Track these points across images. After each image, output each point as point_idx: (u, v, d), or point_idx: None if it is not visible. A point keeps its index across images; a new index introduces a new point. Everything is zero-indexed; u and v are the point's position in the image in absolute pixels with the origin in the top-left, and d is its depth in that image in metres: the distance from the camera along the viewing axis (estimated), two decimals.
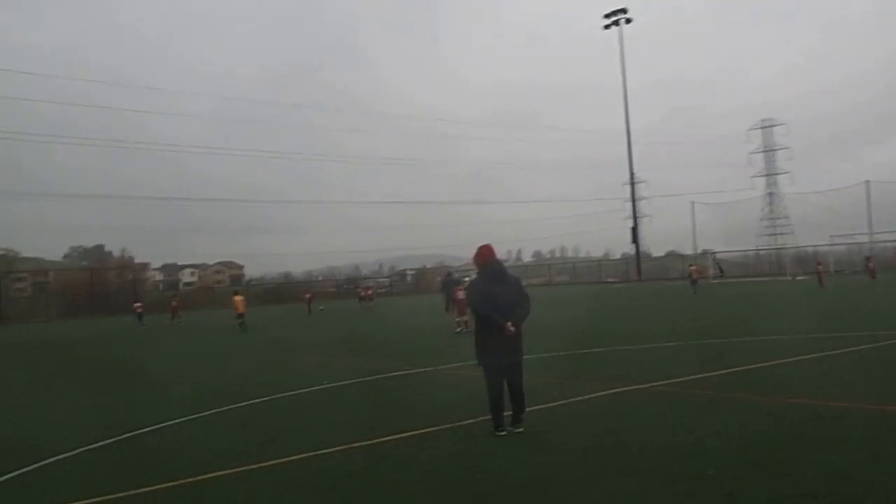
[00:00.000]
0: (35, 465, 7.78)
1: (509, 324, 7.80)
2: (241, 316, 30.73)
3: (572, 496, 5.65)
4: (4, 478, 7.35)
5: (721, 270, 59.69)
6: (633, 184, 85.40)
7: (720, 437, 7.26)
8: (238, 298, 31.75)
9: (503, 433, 7.79)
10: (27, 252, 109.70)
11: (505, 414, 7.95)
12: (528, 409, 8.12)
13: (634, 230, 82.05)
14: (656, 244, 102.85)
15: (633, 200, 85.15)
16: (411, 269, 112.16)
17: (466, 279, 29.50)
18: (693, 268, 46.96)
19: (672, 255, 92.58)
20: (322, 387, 12.41)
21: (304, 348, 21.09)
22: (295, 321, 37.93)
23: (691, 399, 9.43)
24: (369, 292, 49.36)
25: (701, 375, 11.04)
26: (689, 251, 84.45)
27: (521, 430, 7.86)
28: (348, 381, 12.86)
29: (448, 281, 29.05)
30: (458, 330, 21.75)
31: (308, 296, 51.22)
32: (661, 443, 7.12)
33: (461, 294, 22.64)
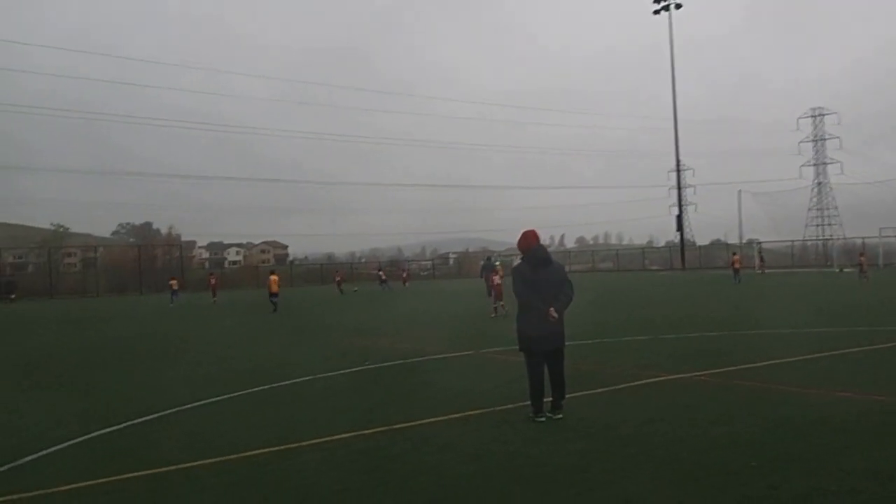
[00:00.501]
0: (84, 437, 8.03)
1: (552, 310, 7.82)
2: (274, 296, 31.27)
3: (611, 484, 5.68)
4: (53, 449, 7.60)
5: (762, 260, 58.98)
6: (679, 171, 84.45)
7: (763, 428, 7.21)
8: (273, 278, 32.29)
9: (542, 419, 7.84)
10: (77, 228, 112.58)
11: (545, 400, 8.00)
12: (568, 396, 8.15)
13: (679, 218, 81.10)
14: (701, 233, 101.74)
15: (679, 188, 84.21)
16: (454, 253, 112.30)
17: (497, 263, 30.02)
18: (736, 257, 46.51)
19: (717, 244, 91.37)
20: (364, 367, 12.56)
21: (344, 329, 21.30)
22: (334, 302, 38.28)
23: (734, 390, 9.36)
24: (406, 274, 50.43)
25: (744, 366, 10.93)
26: (734, 240, 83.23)
27: (561, 416, 7.89)
28: (390, 363, 12.99)
29: (487, 265, 29.28)
30: (494, 315, 22.10)
31: (338, 278, 52.14)
32: (702, 433, 7.11)
33: (497, 279, 23.55)
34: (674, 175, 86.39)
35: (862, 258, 41.87)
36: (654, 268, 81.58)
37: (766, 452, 6.33)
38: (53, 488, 6.16)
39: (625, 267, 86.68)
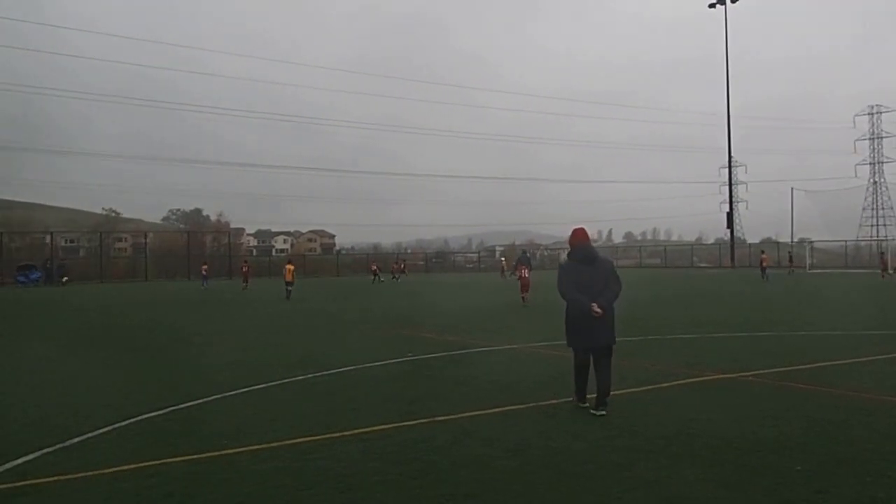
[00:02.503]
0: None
1: (594, 305, 7.75)
2: (289, 284, 32.60)
3: (655, 484, 5.58)
4: (99, 432, 7.72)
5: (790, 260, 58.58)
6: (730, 168, 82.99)
7: (810, 432, 7.06)
8: (289, 267, 33.79)
9: (586, 405, 7.88)
10: (128, 213, 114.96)
11: (589, 396, 7.92)
12: (613, 393, 8.06)
13: (730, 215, 79.82)
14: (752, 230, 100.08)
15: (730, 185, 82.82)
16: (500, 246, 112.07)
17: (503, 258, 32.10)
18: (764, 256, 48.43)
19: (767, 242, 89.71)
20: (407, 358, 12.56)
21: (385, 319, 21.36)
22: (373, 291, 38.45)
23: (781, 391, 9.15)
24: (403, 265, 52.44)
25: (792, 367, 10.71)
26: (785, 239, 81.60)
27: (604, 413, 7.78)
28: (433, 355, 12.98)
29: (522, 258, 29.80)
30: (524, 304, 24.13)
31: (374, 267, 53.68)
32: (747, 435, 6.97)
33: (525, 272, 26.04)
34: (725, 171, 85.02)
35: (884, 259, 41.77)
36: (703, 265, 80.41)
37: (814, 457, 6.19)
38: (98, 470, 6.25)
39: (673, 263, 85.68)
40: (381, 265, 59.97)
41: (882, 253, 47.79)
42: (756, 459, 6.15)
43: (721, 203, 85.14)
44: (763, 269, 44.80)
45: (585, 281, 7.96)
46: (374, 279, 51.61)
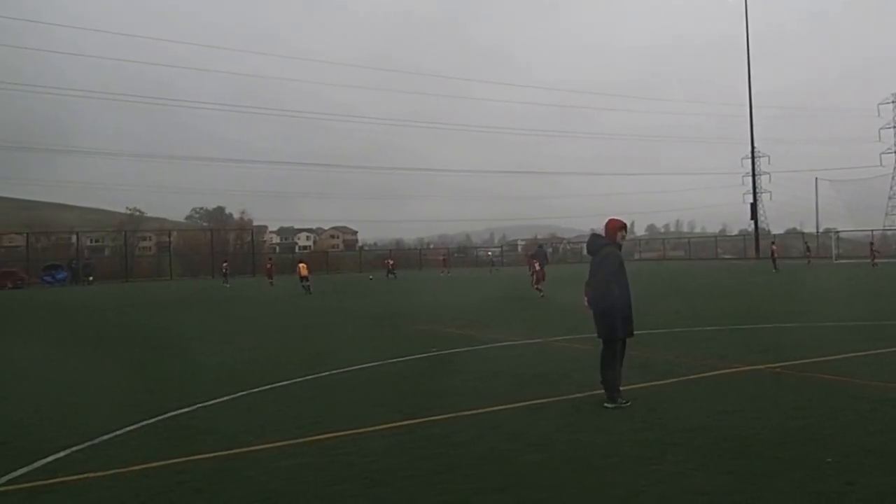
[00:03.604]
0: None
1: (584, 298, 8.14)
2: (304, 279, 34.36)
3: (681, 476, 5.54)
4: (127, 429, 7.80)
5: (808, 249, 58.32)
6: (753, 158, 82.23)
7: (839, 423, 6.98)
8: (302, 265, 35.98)
9: (628, 403, 7.80)
10: (152, 212, 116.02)
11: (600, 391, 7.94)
12: (638, 386, 8.22)
13: (753, 206, 79.13)
14: (776, 221, 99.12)
15: (753, 175, 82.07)
16: (522, 240, 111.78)
17: (543, 248, 32.64)
18: (774, 246, 48.96)
19: (792, 233, 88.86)
20: (431, 354, 12.56)
21: (406, 314, 21.35)
22: (390, 287, 38.51)
23: (808, 382, 9.05)
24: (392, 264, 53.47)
25: (819, 359, 10.58)
26: (810, 229, 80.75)
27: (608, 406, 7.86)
28: (457, 350, 12.97)
29: (539, 252, 30.00)
30: (541, 297, 25.02)
31: (391, 262, 54.59)
32: (776, 426, 6.90)
33: (537, 265, 27.07)
34: (748, 162, 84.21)
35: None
36: (727, 256, 79.78)
37: (843, 448, 6.11)
38: (127, 468, 6.31)
39: (696, 255, 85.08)
40: (396, 261, 60.80)
41: (871, 243, 48.34)
42: (784, 451, 6.08)
43: (744, 194, 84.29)
44: (774, 260, 44.66)
45: (591, 271, 8.20)
46: (388, 274, 52.74)
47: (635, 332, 8.24)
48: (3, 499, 5.70)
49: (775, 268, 42.99)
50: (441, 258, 71.05)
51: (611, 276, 7.96)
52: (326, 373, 10.90)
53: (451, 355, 12.47)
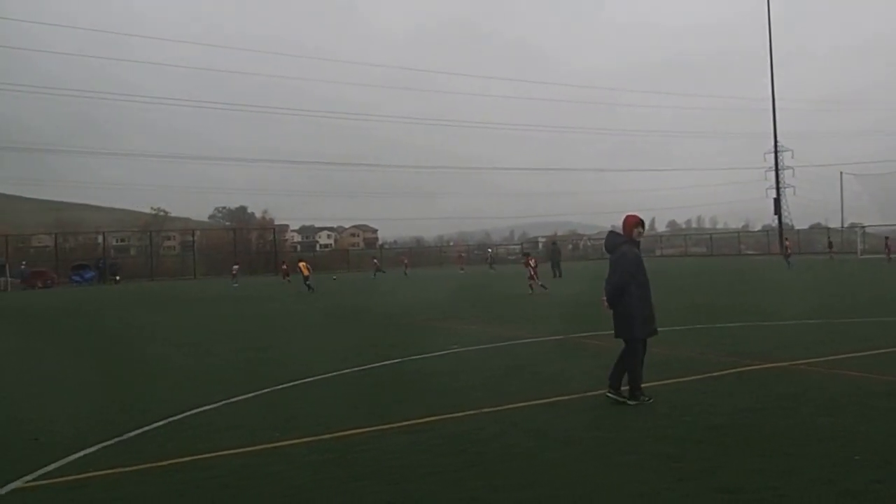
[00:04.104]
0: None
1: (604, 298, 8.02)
2: (306, 279, 35.74)
3: (707, 474, 5.52)
4: (155, 425, 7.90)
5: (830, 246, 57.71)
6: (776, 153, 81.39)
7: (867, 420, 6.90)
8: (302, 265, 37.41)
9: (651, 400, 7.81)
10: (176, 212, 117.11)
11: (622, 388, 7.93)
12: (660, 383, 8.20)
13: (777, 201, 78.26)
14: (801, 216, 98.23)
15: (777, 170, 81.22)
16: (542, 237, 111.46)
17: (557, 245, 33.32)
18: (787, 242, 48.80)
19: (817, 228, 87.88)
20: (452, 350, 12.60)
21: (425, 311, 21.30)
22: (406, 284, 38.57)
23: (836, 379, 8.97)
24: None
25: (845, 355, 10.48)
26: (835, 224, 79.80)
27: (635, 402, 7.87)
28: (478, 346, 13.00)
29: (554, 249, 30.26)
30: (531, 292, 26.50)
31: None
32: (803, 423, 6.86)
33: (532, 262, 28.76)
34: (771, 156, 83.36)
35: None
36: (750, 252, 79.08)
37: (871, 445, 6.06)
38: (155, 463, 6.41)
39: (719, 251, 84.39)
40: (412, 259, 61.83)
41: (887, 238, 47.89)
42: (812, 449, 6.04)
43: (767, 189, 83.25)
44: (787, 256, 44.31)
45: (610, 270, 8.11)
46: (374, 274, 54.03)
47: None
48: (37, 493, 5.82)
49: (788, 264, 42.60)
50: (457, 255, 71.55)
51: (628, 275, 7.86)
52: (348, 370, 10.97)
53: (471, 352, 12.50)
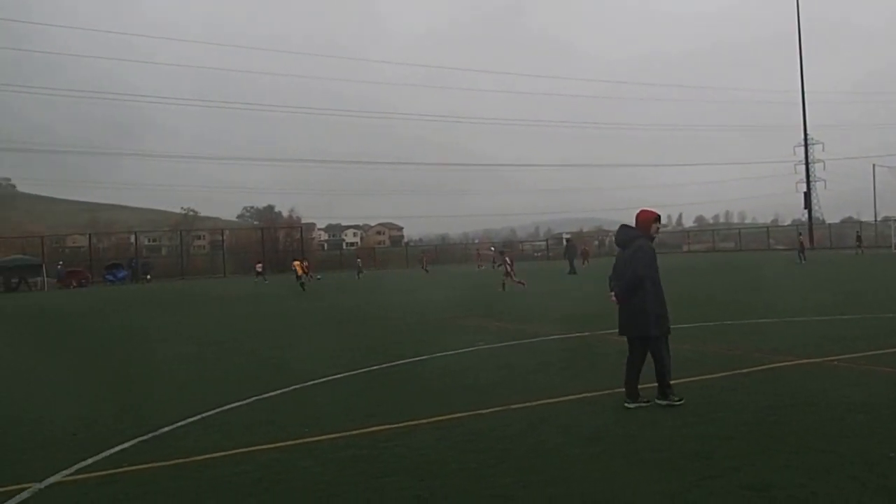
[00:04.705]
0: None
1: (612, 294, 7.83)
2: (299, 278, 36.82)
3: (737, 471, 5.48)
4: (188, 421, 8.01)
5: (859, 240, 56.90)
6: (806, 146, 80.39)
7: None
8: (296, 263, 38.74)
9: (681, 401, 7.57)
10: (206, 212, 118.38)
11: (637, 386, 7.74)
12: (689, 380, 8.14)
13: (807, 195, 77.32)
14: (832, 210, 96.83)
15: (807, 163, 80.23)
16: (567, 233, 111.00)
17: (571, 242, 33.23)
18: (801, 237, 47.91)
19: (848, 222, 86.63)
20: (478, 347, 12.63)
21: (446, 308, 21.31)
22: (426, 281, 38.61)
23: (870, 376, 8.85)
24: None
25: (879, 351, 10.35)
26: (868, 218, 78.67)
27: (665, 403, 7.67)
28: (503, 343, 13.01)
29: (570, 245, 30.18)
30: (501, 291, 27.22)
31: (359, 260, 58.78)
32: (836, 420, 6.79)
33: (509, 259, 29.60)
34: (801, 150, 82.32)
35: None
36: (780, 247, 78.14)
37: None
38: (189, 458, 6.51)
39: (748, 246, 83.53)
40: (436, 257, 62.18)
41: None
42: (844, 446, 5.97)
43: (798, 183, 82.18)
44: (801, 252, 43.41)
45: (619, 266, 7.86)
46: (358, 274, 54.27)
47: (672, 328, 7.87)
48: (74, 487, 5.94)
49: (802, 259, 42.09)
50: (475, 252, 71.52)
51: (645, 270, 7.56)
52: (376, 366, 11.04)
53: (497, 349, 12.52)
